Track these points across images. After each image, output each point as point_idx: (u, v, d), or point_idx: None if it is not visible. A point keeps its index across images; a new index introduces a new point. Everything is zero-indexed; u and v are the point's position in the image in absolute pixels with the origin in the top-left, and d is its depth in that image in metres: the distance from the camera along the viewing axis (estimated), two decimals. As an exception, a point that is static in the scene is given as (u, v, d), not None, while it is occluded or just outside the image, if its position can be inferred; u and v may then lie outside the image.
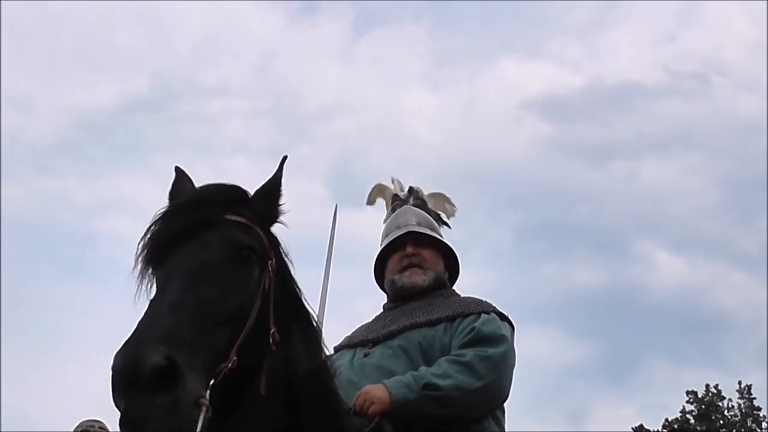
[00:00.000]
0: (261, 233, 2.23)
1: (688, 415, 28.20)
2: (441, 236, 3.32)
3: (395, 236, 3.22)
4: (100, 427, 11.71)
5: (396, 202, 3.86)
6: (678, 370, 40.07)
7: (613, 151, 47.48)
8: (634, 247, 44.12)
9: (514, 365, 2.90)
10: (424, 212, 3.52)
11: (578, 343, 43.75)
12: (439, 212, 3.82)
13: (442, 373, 2.71)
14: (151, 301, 1.97)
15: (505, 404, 3.00)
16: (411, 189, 3.88)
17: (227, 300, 2.01)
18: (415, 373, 2.73)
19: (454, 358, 2.77)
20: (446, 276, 3.24)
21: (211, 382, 1.85)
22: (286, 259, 2.39)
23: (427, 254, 3.16)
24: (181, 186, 2.35)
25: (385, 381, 2.70)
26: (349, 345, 3.10)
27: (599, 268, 43.41)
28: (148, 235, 2.12)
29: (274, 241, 2.31)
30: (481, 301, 3.11)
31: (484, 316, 2.96)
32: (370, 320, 3.18)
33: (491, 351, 2.79)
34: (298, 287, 2.44)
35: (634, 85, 48.26)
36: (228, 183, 2.30)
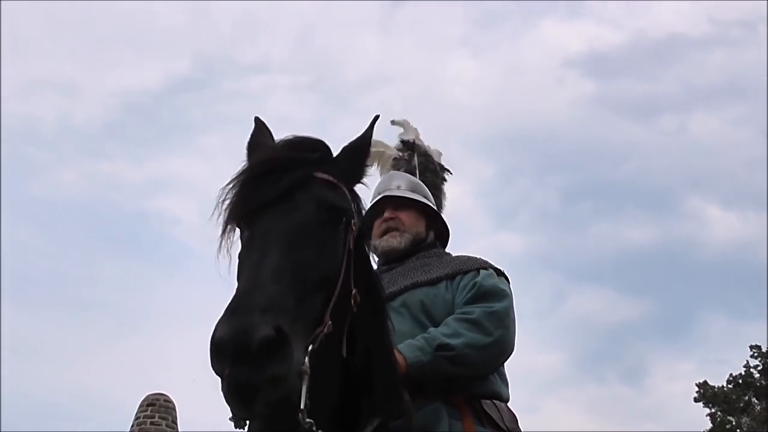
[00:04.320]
0: (347, 192, 2.16)
1: (752, 370, 27.76)
2: (426, 197, 3.33)
3: (372, 203, 3.27)
4: (165, 400, 12.06)
5: (399, 163, 3.86)
6: (736, 324, 39.47)
7: (659, 106, 46.65)
8: (685, 203, 43.42)
9: (515, 318, 2.93)
10: (410, 176, 3.56)
11: (632, 301, 43.29)
12: (439, 160, 3.92)
13: (452, 332, 2.74)
14: (250, 265, 1.88)
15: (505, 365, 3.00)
16: (407, 144, 3.91)
17: (322, 263, 1.96)
18: (425, 335, 2.76)
19: (462, 316, 2.81)
20: (431, 235, 3.27)
21: (310, 348, 1.80)
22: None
23: (404, 217, 3.20)
24: (262, 137, 2.27)
25: (398, 346, 2.69)
26: None
27: (650, 225, 42.80)
28: (237, 190, 2.04)
29: (358, 201, 2.26)
30: (477, 258, 3.14)
31: (482, 271, 3.00)
32: None
33: (496, 306, 2.83)
34: (368, 247, 2.46)
35: (678, 37, 47.20)
36: (313, 138, 2.20)
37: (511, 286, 3.06)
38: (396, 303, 2.95)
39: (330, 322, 1.88)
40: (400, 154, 3.95)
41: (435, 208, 3.33)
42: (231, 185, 2.07)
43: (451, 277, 3.00)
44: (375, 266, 3.17)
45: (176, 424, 12.01)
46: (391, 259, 3.17)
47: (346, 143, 2.29)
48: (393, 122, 4.04)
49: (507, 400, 2.96)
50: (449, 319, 2.81)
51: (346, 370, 2.15)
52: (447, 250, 3.35)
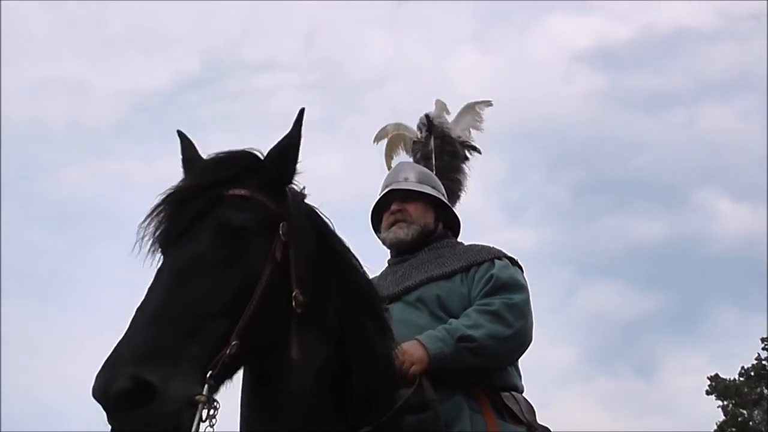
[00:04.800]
0: (266, 200, 2.17)
1: (764, 362, 27.67)
2: (436, 187, 3.29)
3: (379, 197, 3.26)
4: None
5: (417, 146, 3.87)
6: (747, 318, 39.36)
7: (669, 100, 46.55)
8: (695, 196, 43.29)
9: (532, 307, 2.93)
10: (419, 166, 3.55)
11: (643, 295, 43.20)
12: (466, 136, 3.88)
13: (473, 324, 2.74)
14: (135, 311, 1.95)
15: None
16: (428, 122, 3.85)
17: (220, 289, 2.00)
18: (446, 326, 2.75)
19: (482, 307, 2.80)
20: (440, 226, 3.24)
21: (209, 374, 1.90)
22: (318, 214, 2.37)
23: (412, 208, 3.17)
24: (191, 153, 2.32)
25: (418, 337, 2.69)
26: None
27: (661, 219, 42.71)
28: (148, 228, 2.12)
29: (291, 202, 2.25)
30: (490, 247, 3.11)
31: (497, 262, 2.99)
32: (377, 276, 3.14)
33: (516, 298, 2.84)
34: (334, 240, 2.38)
35: (686, 30, 47.07)
36: (235, 152, 2.24)
37: (525, 275, 3.06)
38: (411, 297, 2.96)
39: (236, 342, 1.95)
40: (420, 135, 3.92)
41: (444, 198, 3.29)
42: (146, 221, 2.12)
43: (465, 269, 2.99)
44: (388, 258, 3.23)
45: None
46: (402, 250, 3.16)
47: (273, 143, 2.28)
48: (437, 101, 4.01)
49: (522, 392, 2.97)
50: (470, 310, 2.82)
51: (322, 374, 2.22)
52: (459, 239, 3.31)
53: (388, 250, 3.28)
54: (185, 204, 2.10)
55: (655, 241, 40.81)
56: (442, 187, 3.37)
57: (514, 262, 3.05)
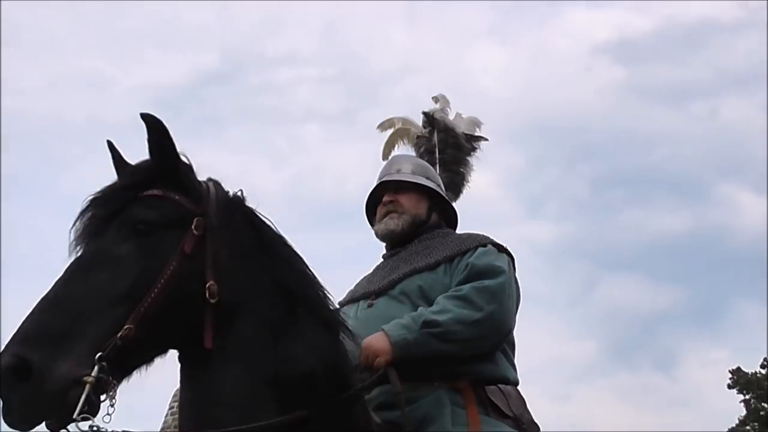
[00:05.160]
0: (180, 198, 2.30)
1: (787, 355, 27.48)
2: (431, 178, 3.26)
3: (372, 189, 3.23)
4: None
5: (420, 141, 3.91)
6: (770, 311, 38.93)
7: (690, 92, 46.19)
8: (716, 189, 42.95)
9: (515, 295, 2.84)
10: (414, 158, 3.56)
11: (664, 289, 42.92)
12: (471, 129, 3.90)
13: (440, 309, 2.67)
14: (39, 299, 2.12)
15: (514, 341, 2.95)
16: (429, 119, 3.88)
17: (119, 279, 2.14)
18: (413, 313, 2.69)
19: (451, 293, 2.73)
20: (434, 217, 3.17)
21: (98, 356, 2.02)
22: (254, 214, 2.44)
23: (404, 199, 3.10)
24: (119, 161, 2.45)
25: (383, 327, 2.64)
26: (351, 299, 3.07)
27: (682, 212, 42.45)
28: (74, 226, 2.27)
29: (214, 201, 2.35)
30: (478, 234, 3.04)
31: (480, 249, 2.89)
32: (371, 271, 3.15)
33: (488, 282, 2.73)
34: (271, 238, 2.43)
35: (707, 21, 46.63)
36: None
37: (513, 262, 2.99)
38: (396, 291, 2.89)
39: (130, 327, 2.08)
40: (424, 130, 3.95)
41: (439, 189, 3.24)
42: (73, 224, 2.28)
43: (449, 259, 2.91)
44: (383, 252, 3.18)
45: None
46: (395, 243, 3.10)
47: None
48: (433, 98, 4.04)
49: (515, 384, 2.88)
50: (440, 297, 2.74)
51: (252, 364, 2.28)
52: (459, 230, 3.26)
53: (382, 243, 3.22)
54: (103, 205, 2.27)
55: (675, 235, 40.58)
56: (439, 178, 3.36)
57: (501, 249, 2.96)
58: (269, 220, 2.49)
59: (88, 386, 1.99)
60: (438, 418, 2.62)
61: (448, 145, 3.87)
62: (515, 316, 2.84)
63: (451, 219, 3.26)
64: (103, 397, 2.04)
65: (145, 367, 2.25)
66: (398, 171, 3.20)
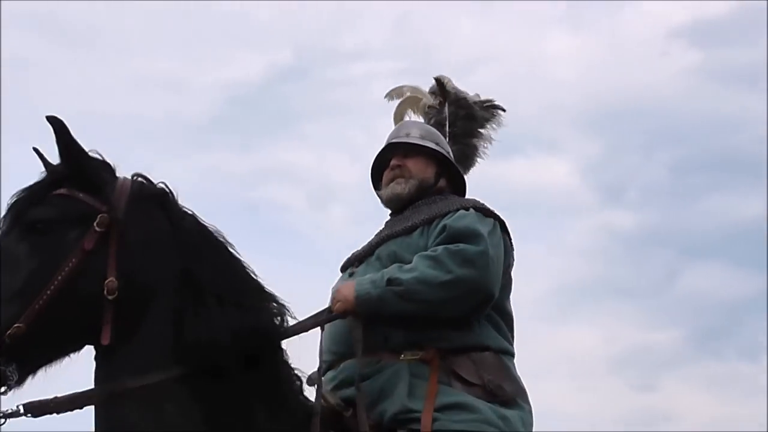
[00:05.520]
0: (84, 196, 2.34)
1: None
2: (439, 144, 3.18)
3: (379, 151, 3.17)
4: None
5: (431, 112, 3.75)
6: None
7: (771, 73, 44.33)
8: (804, 171, 41.18)
9: (497, 260, 2.71)
10: (423, 123, 3.49)
11: (749, 275, 41.39)
12: (483, 98, 3.80)
13: (409, 268, 2.61)
14: None
15: (509, 311, 2.85)
16: (440, 87, 3.73)
17: (14, 277, 2.22)
18: (385, 270, 2.65)
19: (426, 253, 2.66)
20: (441, 182, 3.11)
21: None
22: (174, 210, 2.47)
23: (411, 163, 3.06)
24: (47, 165, 2.50)
25: (356, 279, 2.66)
26: (342, 268, 3.06)
27: (764, 197, 40.85)
28: None
29: (123, 198, 2.38)
30: (466, 198, 2.98)
31: (460, 212, 2.81)
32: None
33: (464, 246, 2.63)
34: (178, 226, 2.43)
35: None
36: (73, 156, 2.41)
37: (502, 226, 2.88)
38: (373, 257, 2.87)
39: (20, 325, 2.16)
40: (434, 101, 3.79)
41: (448, 155, 3.17)
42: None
43: (428, 222, 2.85)
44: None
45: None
46: (399, 208, 3.04)
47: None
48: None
49: (501, 352, 2.74)
50: (416, 256, 2.69)
51: (154, 357, 2.30)
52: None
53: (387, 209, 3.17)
54: (13, 206, 2.37)
55: (759, 219, 39.22)
56: (447, 145, 3.29)
57: (487, 213, 2.87)
58: (192, 213, 2.50)
59: None
60: (393, 392, 2.55)
61: (458, 118, 3.71)
62: (498, 283, 2.71)
63: (460, 187, 3.19)
64: (2, 389, 2.18)
65: (57, 362, 2.34)
66: (407, 135, 3.15)
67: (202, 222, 2.51)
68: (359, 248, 3.05)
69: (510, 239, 2.94)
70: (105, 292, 2.24)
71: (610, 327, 14.16)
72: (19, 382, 2.25)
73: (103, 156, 2.47)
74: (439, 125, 3.71)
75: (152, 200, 2.44)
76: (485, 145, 3.80)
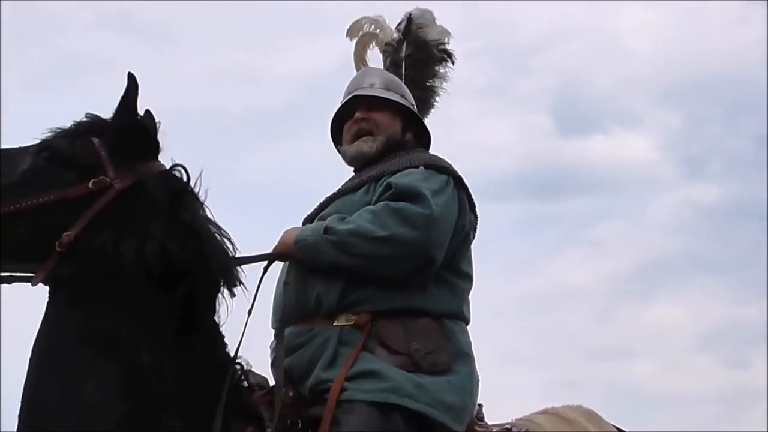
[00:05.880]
0: (104, 152, 2.40)
1: None
2: (404, 95, 3.04)
3: (342, 103, 3.01)
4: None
5: (388, 49, 3.58)
6: None
7: None
8: None
9: (444, 221, 2.58)
10: (385, 72, 3.34)
11: None
12: (444, 38, 3.62)
13: (348, 220, 2.54)
14: None
15: (467, 272, 2.74)
16: (407, 25, 3.56)
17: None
18: (327, 219, 2.60)
19: (369, 207, 2.58)
20: (407, 136, 2.98)
21: None
22: (181, 193, 2.48)
23: (379, 117, 2.91)
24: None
25: (301, 226, 2.66)
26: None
27: None
28: None
29: (141, 171, 2.41)
30: (422, 154, 2.84)
31: (409, 170, 2.68)
32: None
33: (404, 204, 2.52)
34: (174, 212, 2.42)
35: None
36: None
37: (457, 183, 2.73)
38: (318, 218, 2.76)
39: None
40: (394, 36, 3.60)
41: (413, 107, 3.03)
42: None
43: (375, 179, 2.74)
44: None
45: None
46: (364, 165, 2.90)
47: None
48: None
49: (445, 316, 2.61)
50: (362, 209, 2.62)
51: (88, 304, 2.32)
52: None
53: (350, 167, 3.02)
54: (55, 130, 2.49)
55: None
56: (411, 97, 3.13)
57: (440, 170, 2.71)
58: (202, 211, 2.50)
59: None
60: (317, 362, 2.46)
61: (416, 60, 3.54)
62: (442, 246, 2.58)
63: (424, 140, 3.05)
64: None
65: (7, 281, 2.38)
66: (371, 86, 3.00)
67: (205, 221, 2.51)
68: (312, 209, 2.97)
69: (469, 197, 2.79)
70: (57, 242, 2.28)
71: (698, 303, 14.05)
72: None
73: (159, 134, 2.51)
74: (395, 65, 3.56)
75: (164, 192, 2.44)
76: (441, 86, 3.64)
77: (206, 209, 2.52)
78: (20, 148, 2.43)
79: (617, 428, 2.77)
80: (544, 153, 14.43)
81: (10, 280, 2.38)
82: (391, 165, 2.78)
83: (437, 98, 3.63)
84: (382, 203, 2.57)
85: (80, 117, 2.49)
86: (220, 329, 2.47)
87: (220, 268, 2.42)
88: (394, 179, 2.65)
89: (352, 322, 2.50)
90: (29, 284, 2.35)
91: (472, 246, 2.83)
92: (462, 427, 2.49)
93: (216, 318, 2.47)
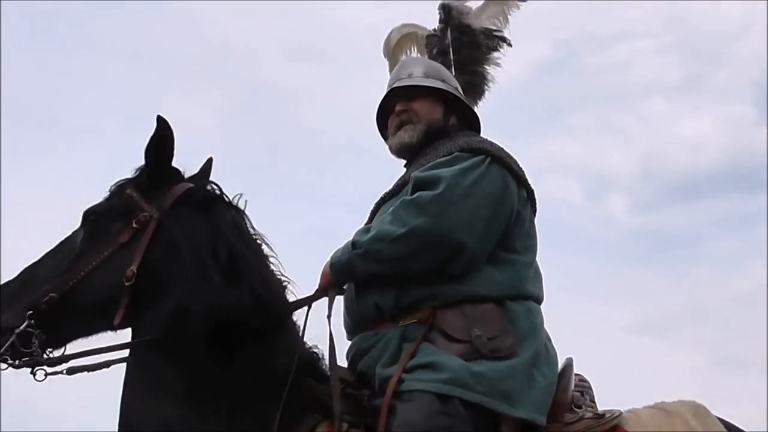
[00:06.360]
0: (135, 194, 2.63)
1: None
2: (445, 80, 2.94)
3: (382, 99, 2.94)
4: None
5: (432, 40, 3.58)
6: None
7: None
8: None
9: (462, 200, 2.48)
10: (425, 59, 3.30)
11: None
12: (493, 24, 3.55)
13: (371, 226, 2.52)
14: None
15: (527, 250, 2.61)
16: (446, 13, 3.52)
17: (63, 260, 2.60)
18: (355, 231, 2.59)
19: (391, 208, 2.53)
20: (451, 121, 2.88)
21: (28, 312, 2.51)
22: (218, 220, 2.62)
23: (418, 106, 2.84)
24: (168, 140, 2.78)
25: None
26: None
27: None
28: None
29: (169, 200, 2.61)
30: (463, 139, 2.72)
31: (438, 160, 2.62)
32: None
33: (420, 193, 2.47)
34: (212, 232, 2.57)
35: None
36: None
37: (492, 161, 2.59)
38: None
39: (53, 295, 2.52)
40: (434, 29, 3.60)
41: (456, 91, 2.93)
42: None
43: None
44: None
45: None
46: (409, 156, 2.85)
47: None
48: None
49: (508, 298, 2.51)
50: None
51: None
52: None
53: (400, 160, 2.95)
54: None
55: None
56: (455, 80, 3.04)
57: (475, 151, 2.60)
58: (238, 215, 2.69)
59: (13, 336, 2.47)
60: (382, 360, 2.46)
61: (462, 45, 3.50)
62: (466, 227, 2.47)
63: (473, 122, 2.95)
64: (31, 349, 2.48)
65: (81, 337, 2.59)
66: (410, 76, 2.92)
67: (241, 223, 2.68)
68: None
69: (514, 173, 2.64)
70: (124, 278, 2.50)
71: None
72: (43, 346, 2.51)
73: (175, 165, 2.71)
74: (442, 54, 3.51)
75: (196, 204, 2.64)
76: (494, 70, 3.53)
77: (238, 215, 2.69)
78: (73, 231, 2.69)
79: (726, 422, 2.58)
80: (751, 144, 14.03)
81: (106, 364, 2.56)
82: (430, 156, 2.71)
83: (489, 84, 3.53)
84: (399, 201, 2.53)
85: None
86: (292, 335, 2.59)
87: (278, 316, 2.55)
88: (416, 172, 2.59)
89: (415, 320, 2.46)
90: (113, 332, 2.58)
91: (535, 220, 2.73)
92: (524, 413, 2.37)
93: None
